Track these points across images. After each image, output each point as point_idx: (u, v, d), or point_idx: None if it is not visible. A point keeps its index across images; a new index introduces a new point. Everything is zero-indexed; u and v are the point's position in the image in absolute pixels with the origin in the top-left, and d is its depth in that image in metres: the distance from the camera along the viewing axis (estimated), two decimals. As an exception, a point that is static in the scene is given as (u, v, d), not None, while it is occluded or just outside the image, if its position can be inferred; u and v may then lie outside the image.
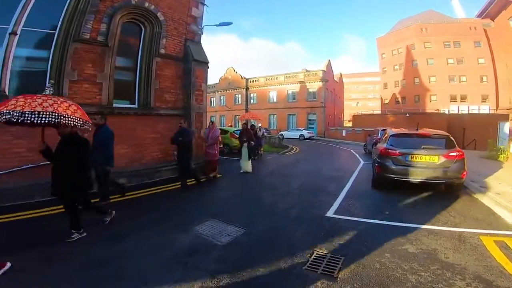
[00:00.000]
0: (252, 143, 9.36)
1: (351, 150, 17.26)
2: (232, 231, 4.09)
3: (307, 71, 36.01)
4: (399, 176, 5.92)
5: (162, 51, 7.93)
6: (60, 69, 6.19)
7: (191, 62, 8.25)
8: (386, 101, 47.69)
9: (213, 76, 44.10)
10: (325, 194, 6.17)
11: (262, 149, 13.60)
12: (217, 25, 9.41)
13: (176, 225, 4.36)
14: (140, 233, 4.03)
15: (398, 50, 45.49)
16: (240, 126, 21.68)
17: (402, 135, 6.56)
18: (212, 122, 8.21)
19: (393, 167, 5.99)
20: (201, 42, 9.11)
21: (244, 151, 8.79)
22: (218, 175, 7.97)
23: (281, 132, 31.85)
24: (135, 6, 7.39)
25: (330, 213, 4.87)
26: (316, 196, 6.04)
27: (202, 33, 9.15)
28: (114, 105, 7.09)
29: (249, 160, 8.77)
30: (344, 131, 30.07)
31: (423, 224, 4.32)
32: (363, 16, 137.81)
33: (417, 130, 6.58)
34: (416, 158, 5.85)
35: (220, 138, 8.22)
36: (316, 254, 3.36)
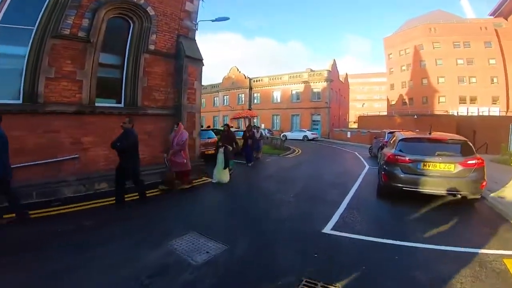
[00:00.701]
0: (231, 148, 7.99)
1: (356, 153, 16.56)
2: (212, 248, 3.53)
3: (311, 70, 35.32)
4: (409, 186, 5.27)
5: (152, 47, 7.42)
6: (36, 66, 5.72)
7: (183, 59, 7.71)
8: (393, 102, 46.71)
9: (217, 76, 43.62)
10: (324, 204, 5.57)
11: (261, 151, 12.91)
12: (212, 21, 8.89)
13: (150, 237, 3.84)
14: (106, 245, 3.53)
15: (406, 50, 44.51)
16: (243, 127, 21.10)
17: (413, 140, 5.88)
18: (177, 124, 6.74)
19: (402, 175, 5.34)
20: (196, 38, 8.57)
21: (220, 158, 7.53)
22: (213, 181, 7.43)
23: (284, 133, 31.27)
24: (123, 1, 6.92)
25: (327, 229, 4.25)
26: (314, 206, 5.43)
27: (197, 29, 8.62)
28: (97, 104, 6.60)
29: (225, 168, 7.49)
30: (349, 133, 29.29)
31: (435, 244, 3.68)
32: (367, 16, 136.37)
33: (429, 134, 5.90)
34: (429, 166, 5.19)
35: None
36: (305, 283, 2.77)
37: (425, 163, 5.20)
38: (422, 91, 41.46)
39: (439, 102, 39.96)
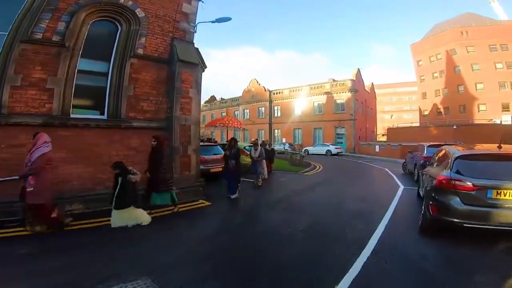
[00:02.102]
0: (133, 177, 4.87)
1: (386, 169, 14.49)
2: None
3: (334, 80, 33.60)
4: (474, 221, 3.63)
5: (140, 51, 6.56)
6: (1, 73, 5.02)
7: (176, 63, 6.74)
8: (426, 112, 43.27)
9: (238, 90, 43.33)
10: (341, 245, 4.04)
11: (263, 176, 9.63)
12: (213, 22, 7.92)
13: (86, 280, 2.81)
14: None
15: (437, 56, 41.51)
16: (227, 138, 19.18)
17: (477, 157, 4.22)
18: (35, 134, 4.45)
19: (462, 207, 3.70)
20: (194, 41, 7.65)
21: (121, 194, 4.65)
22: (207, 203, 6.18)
23: (306, 148, 29.56)
24: (106, 3, 6.21)
25: (343, 290, 2.77)
26: (327, 249, 3.93)
27: (195, 31, 7.71)
28: (74, 115, 5.74)
29: (138, 207, 4.91)
30: (377, 146, 26.82)
31: None
32: (390, 23, 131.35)
33: (499, 147, 4.20)
34: (505, 195, 3.54)
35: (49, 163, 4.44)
36: None
37: (499, 190, 3.53)
38: (459, 99, 37.94)
39: (479, 111, 36.28)
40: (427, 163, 6.23)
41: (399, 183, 9.87)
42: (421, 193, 6.20)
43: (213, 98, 54.38)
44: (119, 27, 6.52)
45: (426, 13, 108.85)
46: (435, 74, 42.24)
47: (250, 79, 42.78)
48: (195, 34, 7.74)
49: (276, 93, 38.69)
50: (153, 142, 5.56)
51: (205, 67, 19.83)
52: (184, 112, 6.81)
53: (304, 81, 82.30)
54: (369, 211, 5.85)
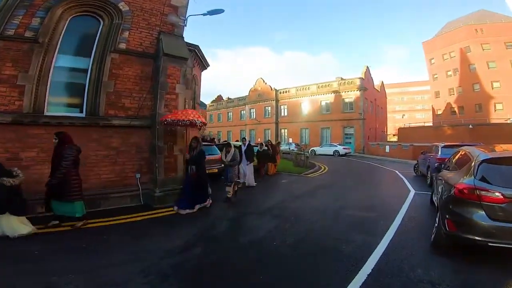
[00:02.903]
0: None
1: (396, 172, 13.65)
2: None
3: (342, 79, 32.60)
4: (502, 241, 2.97)
5: (122, 45, 6.13)
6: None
7: (161, 58, 6.25)
8: (439, 112, 41.71)
9: (245, 90, 42.84)
10: (336, 263, 3.42)
11: (234, 187, 7.10)
12: (204, 14, 7.38)
13: None
14: None
15: (450, 54, 40.04)
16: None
17: (508, 161, 3.37)
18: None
19: (488, 223, 3.03)
20: (183, 35, 7.15)
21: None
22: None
23: (313, 148, 28.80)
24: (85, -4, 5.81)
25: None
26: (318, 269, 3.31)
27: (185, 25, 7.21)
28: (49, 113, 5.33)
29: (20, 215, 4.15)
30: (387, 147, 25.74)
31: None
32: (401, 22, 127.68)
33: None
34: None
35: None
36: None
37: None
38: (475, 98, 36.34)
39: (495, 110, 34.51)
40: (442, 165, 5.48)
41: (410, 187, 9.09)
42: (434, 200, 5.47)
43: (219, 98, 54.12)
44: (101, 22, 6.14)
45: (438, 12, 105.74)
46: (449, 72, 40.72)
47: (256, 78, 42.20)
48: (185, 28, 7.24)
49: (283, 92, 37.98)
50: (54, 140, 4.55)
51: (208, 65, 19.49)
52: (169, 109, 6.30)
53: (312, 80, 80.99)
54: (372, 221, 5.16)
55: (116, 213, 5.34)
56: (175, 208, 5.72)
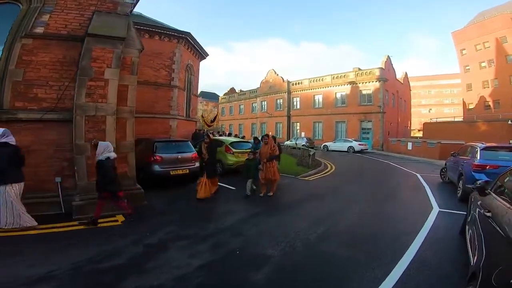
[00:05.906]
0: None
1: (418, 175, 11.27)
2: None
3: (359, 69, 29.66)
4: None
5: (40, 30, 5.03)
6: None
7: (85, 39, 4.67)
8: (471, 106, 37.64)
9: (259, 82, 40.53)
10: None
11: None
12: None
13: None
14: None
15: (484, 44, 35.93)
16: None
17: None
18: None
19: None
20: (130, 13, 5.62)
21: None
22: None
23: (325, 143, 26.52)
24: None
25: None
26: None
27: (135, 3, 5.56)
28: None
29: None
30: (410, 144, 22.83)
31: None
32: (429, 13, 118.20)
33: None
34: None
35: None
36: None
37: None
38: (512, 91, 32.06)
39: (535, 104, 30.27)
40: (487, 183, 3.36)
41: (432, 199, 6.90)
42: (467, 234, 3.41)
43: (232, 90, 52.61)
44: (20, 7, 4.74)
45: (468, 3, 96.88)
46: (483, 64, 36.52)
47: (267, 70, 40.01)
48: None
49: (295, 84, 35.55)
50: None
51: (207, 55, 17.74)
52: (94, 99, 4.73)
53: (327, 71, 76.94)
54: (377, 249, 3.21)
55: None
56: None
